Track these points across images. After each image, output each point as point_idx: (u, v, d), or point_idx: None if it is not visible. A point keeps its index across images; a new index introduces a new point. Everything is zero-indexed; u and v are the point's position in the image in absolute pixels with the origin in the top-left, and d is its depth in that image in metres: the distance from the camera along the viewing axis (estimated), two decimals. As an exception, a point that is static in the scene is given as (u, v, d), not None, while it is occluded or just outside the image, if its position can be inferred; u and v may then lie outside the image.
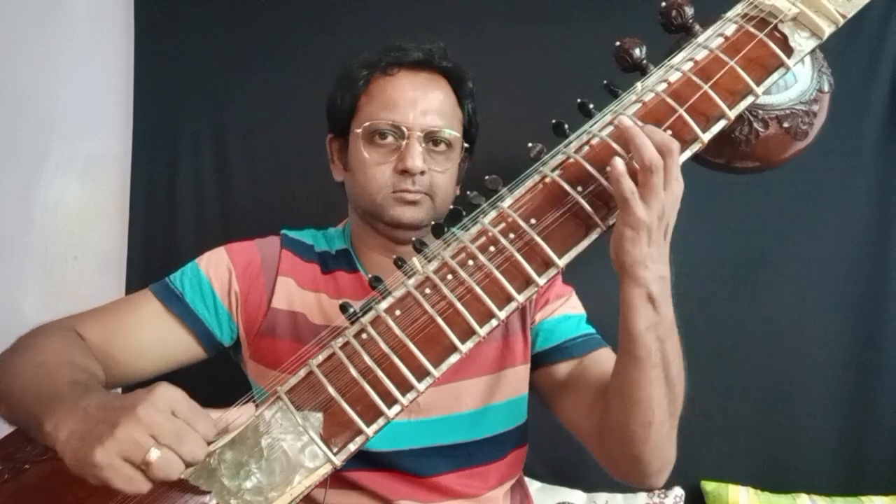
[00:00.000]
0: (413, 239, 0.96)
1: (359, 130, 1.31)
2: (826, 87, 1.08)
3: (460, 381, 1.30)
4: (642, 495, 1.94)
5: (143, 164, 2.13)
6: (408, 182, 1.28)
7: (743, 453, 1.97)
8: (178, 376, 1.81)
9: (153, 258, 2.07)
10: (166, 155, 2.13)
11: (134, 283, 2.06)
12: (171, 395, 0.83)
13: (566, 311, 1.40)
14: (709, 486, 1.94)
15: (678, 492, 1.93)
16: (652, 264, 0.94)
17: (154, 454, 0.78)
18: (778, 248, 1.95)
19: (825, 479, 1.92)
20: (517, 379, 1.35)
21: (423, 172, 1.28)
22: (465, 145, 1.38)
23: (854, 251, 1.93)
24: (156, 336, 1.27)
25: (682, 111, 0.95)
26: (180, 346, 1.29)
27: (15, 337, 1.14)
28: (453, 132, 1.32)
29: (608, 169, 0.90)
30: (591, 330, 1.38)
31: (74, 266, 2.18)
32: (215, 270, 1.33)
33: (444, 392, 1.28)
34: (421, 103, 1.30)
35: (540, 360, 1.36)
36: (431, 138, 1.30)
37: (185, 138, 2.12)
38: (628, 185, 0.90)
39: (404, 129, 1.28)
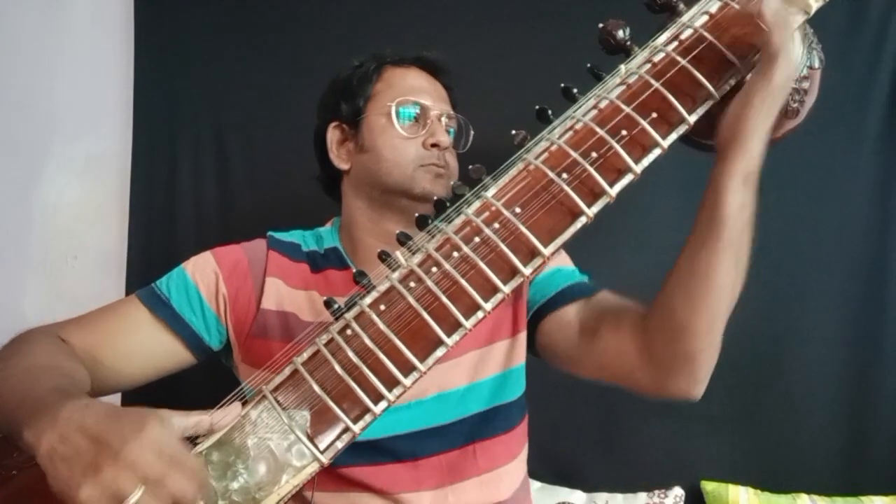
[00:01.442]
0: (398, 232, 0.95)
1: (391, 104, 1.37)
2: (816, 64, 1.05)
3: (454, 358, 1.31)
4: (642, 495, 1.93)
5: (143, 164, 2.14)
6: (435, 156, 1.36)
7: (743, 453, 1.96)
8: (173, 381, 1.82)
9: (153, 258, 2.07)
10: (166, 155, 2.13)
11: (134, 283, 2.06)
12: (159, 435, 0.80)
13: (558, 264, 1.42)
14: (709, 486, 1.93)
15: (678, 492, 1.92)
16: (762, 140, 0.95)
17: (135, 497, 0.75)
18: (778, 248, 1.94)
19: (825, 479, 1.91)
20: (504, 351, 1.36)
21: (447, 149, 1.38)
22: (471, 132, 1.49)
23: (854, 251, 1.92)
24: (143, 342, 1.26)
25: (667, 93, 0.93)
26: (168, 351, 1.28)
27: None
28: (463, 119, 1.47)
29: (755, 17, 0.90)
30: (586, 279, 1.41)
31: (74, 266, 2.19)
32: (202, 274, 1.32)
33: (436, 370, 1.28)
34: (435, 93, 1.42)
35: (543, 312, 1.35)
36: (449, 123, 1.42)
37: (185, 138, 2.13)
38: (781, 36, 0.90)
39: (430, 108, 1.39)
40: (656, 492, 1.93)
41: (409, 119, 1.38)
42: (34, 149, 2.17)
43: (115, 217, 2.17)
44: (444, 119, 1.40)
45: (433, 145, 1.36)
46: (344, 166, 1.43)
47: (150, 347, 1.27)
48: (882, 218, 1.91)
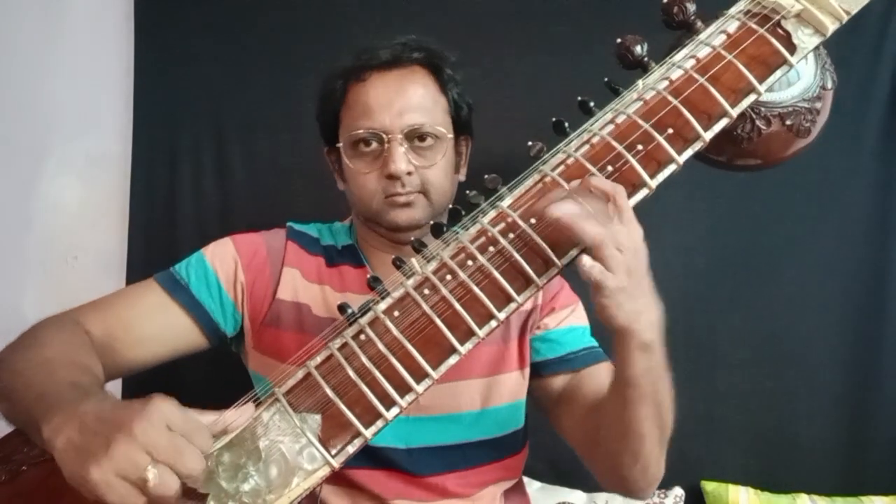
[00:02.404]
0: (412, 238, 0.95)
1: (341, 143, 1.33)
2: (829, 84, 1.06)
3: (459, 381, 1.30)
4: (642, 495, 1.94)
5: (143, 163, 2.13)
6: (397, 185, 1.28)
7: (743, 453, 1.97)
8: (181, 375, 1.81)
9: (153, 258, 2.06)
10: (166, 155, 2.13)
11: (134, 283, 2.05)
12: (167, 411, 0.80)
13: (573, 321, 1.40)
14: (709, 486, 1.94)
15: (678, 492, 1.93)
16: (642, 315, 0.92)
17: (151, 473, 0.75)
18: (778, 248, 1.95)
19: (825, 479, 1.92)
20: (513, 384, 1.35)
21: (410, 173, 1.27)
22: (450, 136, 1.34)
23: (854, 251, 1.93)
24: (160, 326, 1.27)
25: (683, 109, 0.94)
26: (183, 335, 1.29)
27: (14, 337, 1.13)
28: (435, 127, 1.30)
29: (581, 264, 0.88)
30: (594, 343, 1.38)
31: (74, 266, 2.18)
32: (221, 261, 1.33)
33: (442, 391, 1.27)
34: (396, 103, 1.28)
35: (541, 369, 1.36)
36: (414, 136, 1.29)
37: (185, 138, 2.13)
38: (596, 269, 0.87)
39: (382, 134, 1.27)
40: (656, 492, 1.93)
41: (365, 150, 1.30)
42: (34, 149, 2.16)
43: (115, 217, 2.17)
44: (399, 139, 1.27)
45: (388, 176, 1.27)
46: (341, 188, 1.42)
47: (166, 331, 1.27)
48: (882, 218, 1.92)
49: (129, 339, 1.23)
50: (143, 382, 1.68)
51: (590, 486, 1.96)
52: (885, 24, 1.92)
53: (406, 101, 1.28)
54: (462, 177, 1.42)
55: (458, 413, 1.31)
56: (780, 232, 1.95)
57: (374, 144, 1.29)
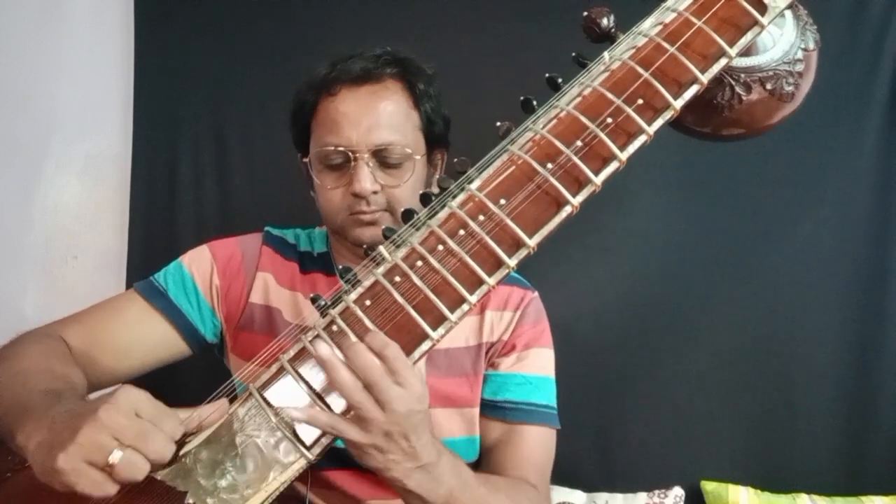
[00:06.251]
0: (384, 227, 0.96)
1: (307, 158, 1.34)
2: (812, 45, 1.01)
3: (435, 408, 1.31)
4: (642, 495, 1.93)
5: (143, 164, 2.14)
6: (362, 204, 1.26)
7: (743, 453, 1.95)
8: (179, 380, 1.81)
9: (153, 258, 2.05)
10: (166, 155, 2.13)
11: (134, 282, 2.05)
12: (133, 397, 0.82)
13: (531, 370, 1.36)
14: (709, 486, 1.93)
15: (678, 492, 1.92)
16: (398, 465, 0.92)
17: (116, 455, 0.77)
18: (778, 248, 1.94)
19: (825, 479, 1.90)
20: (466, 419, 1.34)
21: (375, 192, 1.26)
22: (420, 154, 1.32)
23: (854, 251, 1.92)
24: (141, 334, 1.28)
25: (650, 78, 0.91)
26: (165, 342, 1.30)
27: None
28: (404, 147, 1.28)
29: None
30: (543, 401, 1.35)
31: (74, 266, 2.19)
32: (198, 267, 1.35)
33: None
34: (365, 120, 1.25)
35: (483, 409, 1.35)
36: (381, 154, 1.26)
37: (185, 138, 2.13)
38: (335, 421, 0.88)
39: (349, 152, 1.25)
40: (656, 492, 1.93)
41: (332, 166, 1.28)
42: (34, 149, 2.18)
43: (115, 217, 2.18)
44: (366, 158, 1.25)
45: (354, 194, 1.26)
46: (313, 195, 1.40)
47: (148, 339, 1.29)
48: (882, 218, 1.91)
49: (111, 351, 1.24)
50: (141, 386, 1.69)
51: (590, 486, 1.96)
52: (885, 24, 1.91)
53: (375, 118, 1.26)
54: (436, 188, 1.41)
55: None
56: (780, 231, 1.94)
57: (342, 161, 1.27)
